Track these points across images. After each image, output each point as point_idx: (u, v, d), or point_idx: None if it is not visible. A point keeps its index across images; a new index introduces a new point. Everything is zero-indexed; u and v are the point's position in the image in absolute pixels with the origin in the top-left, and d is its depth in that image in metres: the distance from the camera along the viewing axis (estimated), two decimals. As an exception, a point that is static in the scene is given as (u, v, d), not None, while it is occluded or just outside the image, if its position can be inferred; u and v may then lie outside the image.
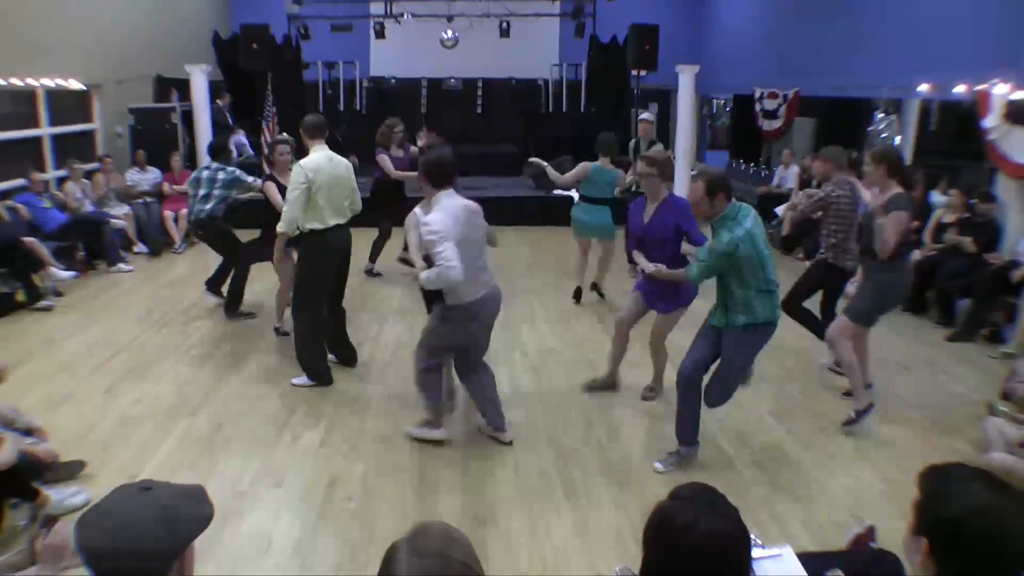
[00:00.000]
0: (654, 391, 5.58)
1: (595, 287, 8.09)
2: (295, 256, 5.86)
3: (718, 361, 4.43)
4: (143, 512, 1.48)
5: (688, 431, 4.54)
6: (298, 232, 5.49)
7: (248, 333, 6.87)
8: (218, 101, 12.21)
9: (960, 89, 7.92)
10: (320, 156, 5.48)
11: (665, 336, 5.43)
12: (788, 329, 6.32)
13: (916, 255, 7.61)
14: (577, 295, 7.96)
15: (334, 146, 5.76)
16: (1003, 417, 4.59)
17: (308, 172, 5.33)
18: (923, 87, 8.75)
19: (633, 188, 7.88)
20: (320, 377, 5.71)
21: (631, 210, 5.40)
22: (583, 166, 7.48)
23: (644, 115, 9.42)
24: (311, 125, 5.62)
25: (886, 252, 4.81)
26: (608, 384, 5.67)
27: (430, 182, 4.37)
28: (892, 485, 4.35)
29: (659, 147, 8.91)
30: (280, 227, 5.49)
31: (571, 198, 11.23)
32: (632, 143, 9.31)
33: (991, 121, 7.35)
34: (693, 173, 6.50)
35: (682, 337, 5.07)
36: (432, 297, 4.65)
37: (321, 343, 5.78)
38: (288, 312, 6.18)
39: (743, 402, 5.43)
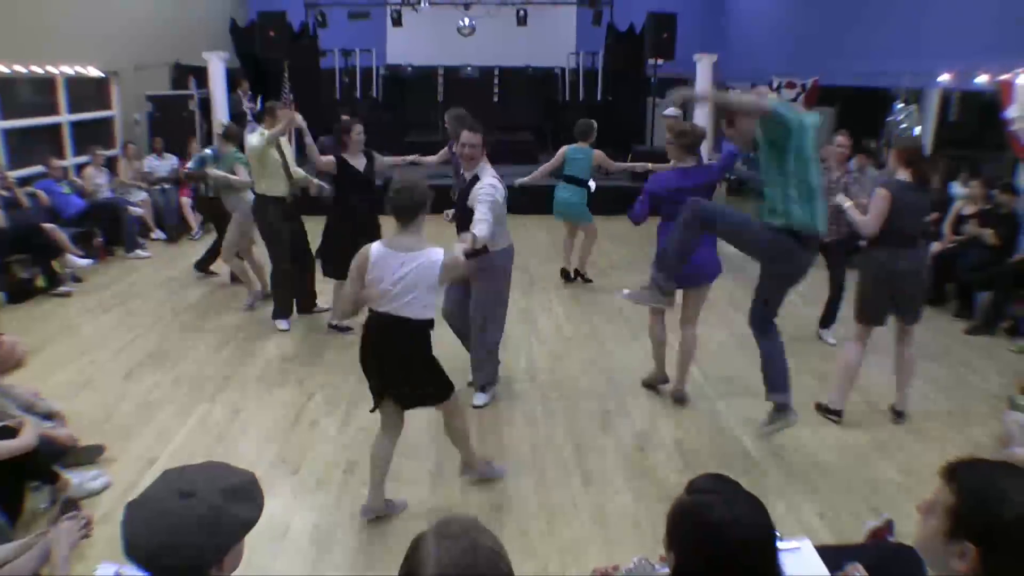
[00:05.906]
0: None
1: (579, 274, 8.35)
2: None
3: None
4: (186, 516, 1.50)
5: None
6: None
7: (265, 320, 6.88)
8: (239, 91, 12.14)
9: (982, 79, 7.83)
10: None
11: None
12: (806, 319, 6.31)
13: (935, 247, 7.55)
14: (564, 275, 8.39)
15: None
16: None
17: None
18: (944, 76, 8.65)
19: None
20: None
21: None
22: (561, 149, 7.81)
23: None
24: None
25: None
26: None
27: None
28: (910, 477, 4.33)
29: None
30: None
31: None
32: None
33: (1014, 111, 7.27)
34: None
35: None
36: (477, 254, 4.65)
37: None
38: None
39: (758, 392, 5.41)
